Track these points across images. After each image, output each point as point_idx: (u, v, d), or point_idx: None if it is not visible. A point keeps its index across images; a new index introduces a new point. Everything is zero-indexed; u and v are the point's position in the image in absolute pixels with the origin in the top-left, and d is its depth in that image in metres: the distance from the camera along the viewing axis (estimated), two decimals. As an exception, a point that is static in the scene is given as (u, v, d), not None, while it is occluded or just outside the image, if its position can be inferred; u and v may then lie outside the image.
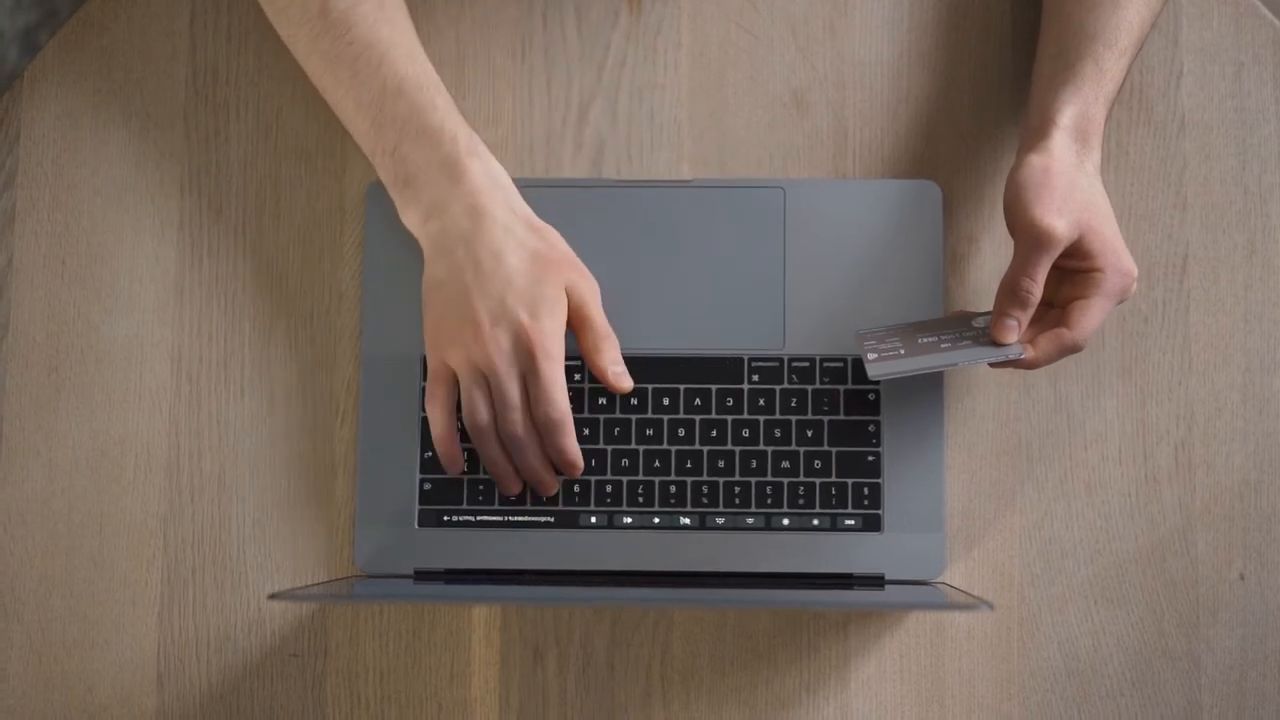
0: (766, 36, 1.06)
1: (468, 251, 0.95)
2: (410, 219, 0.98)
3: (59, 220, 1.04)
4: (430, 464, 1.00)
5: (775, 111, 1.05)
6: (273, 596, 0.83)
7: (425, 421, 1.00)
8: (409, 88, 0.97)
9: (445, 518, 1.00)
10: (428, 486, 1.00)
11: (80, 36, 1.06)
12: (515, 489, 0.99)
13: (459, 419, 0.98)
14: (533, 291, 0.95)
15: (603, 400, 1.00)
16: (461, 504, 1.00)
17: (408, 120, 0.96)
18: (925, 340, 0.95)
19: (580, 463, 0.98)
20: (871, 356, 0.94)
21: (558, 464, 0.98)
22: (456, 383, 0.97)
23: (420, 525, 1.00)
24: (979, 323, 0.95)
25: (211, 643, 1.01)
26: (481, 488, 1.00)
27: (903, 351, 0.94)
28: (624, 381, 0.99)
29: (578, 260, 0.98)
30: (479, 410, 0.96)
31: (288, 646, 1.00)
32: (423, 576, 0.99)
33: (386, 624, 1.00)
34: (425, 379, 1.00)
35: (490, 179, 0.97)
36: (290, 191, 1.04)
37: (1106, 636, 0.99)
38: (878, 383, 0.99)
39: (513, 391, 0.95)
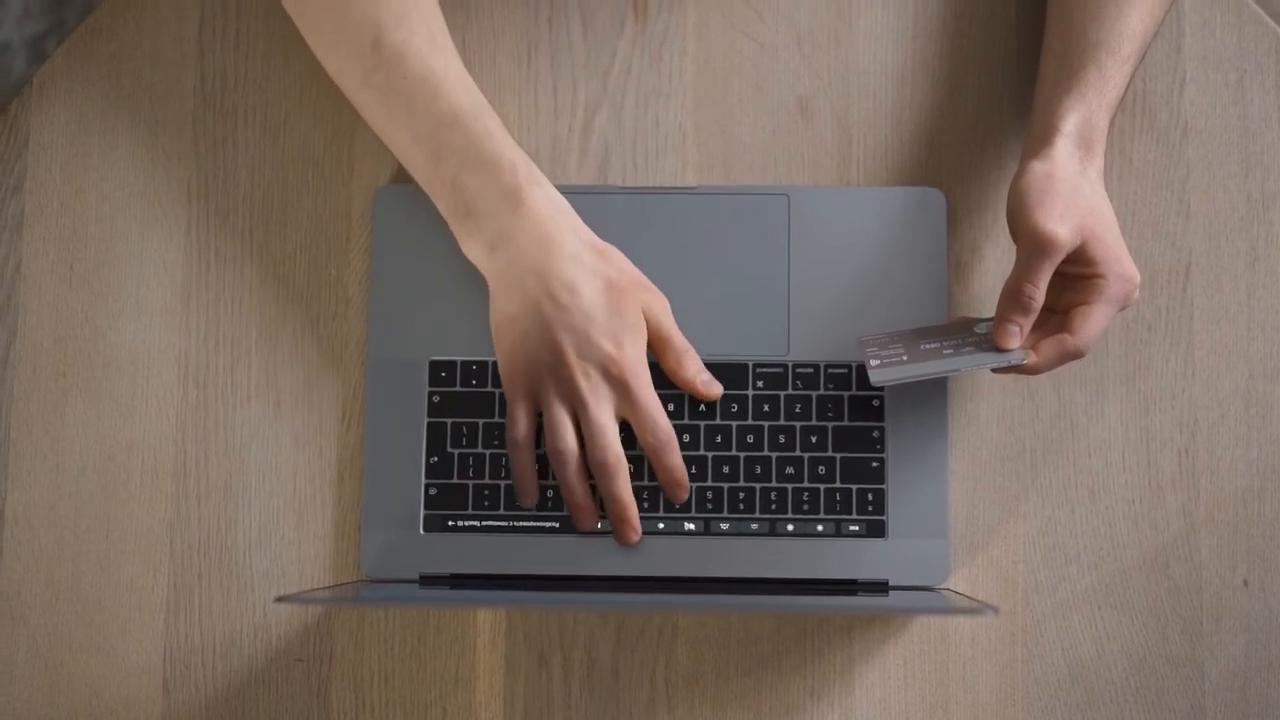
0: (771, 44, 1.06)
1: (540, 284, 0.95)
2: (473, 251, 0.98)
3: (67, 226, 1.05)
4: (436, 469, 1.00)
5: (780, 119, 1.05)
6: (279, 599, 0.83)
7: (431, 427, 1.00)
8: (465, 119, 0.97)
9: (450, 523, 1.00)
10: (433, 492, 1.00)
11: (89, 43, 1.06)
12: (592, 523, 0.99)
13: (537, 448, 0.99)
14: (614, 323, 0.96)
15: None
16: (467, 509, 1.00)
17: (465, 150, 0.96)
18: (928, 346, 0.95)
19: (687, 484, 0.99)
20: (874, 363, 0.94)
21: (665, 483, 0.98)
22: (535, 411, 0.98)
23: (426, 530, 1.00)
24: (981, 329, 0.95)
25: (217, 648, 1.01)
26: (486, 493, 1.00)
27: (905, 358, 0.94)
28: (714, 388, 0.99)
29: (645, 279, 0.99)
30: (566, 438, 0.96)
31: (293, 652, 1.01)
32: (428, 582, 0.99)
33: (391, 629, 1.00)
34: (431, 383, 1.00)
35: (553, 206, 0.97)
36: (298, 197, 1.05)
37: (1110, 642, 1.00)
38: (882, 389, 1.00)
39: (605, 420, 0.96)
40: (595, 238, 0.98)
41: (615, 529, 0.98)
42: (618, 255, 0.99)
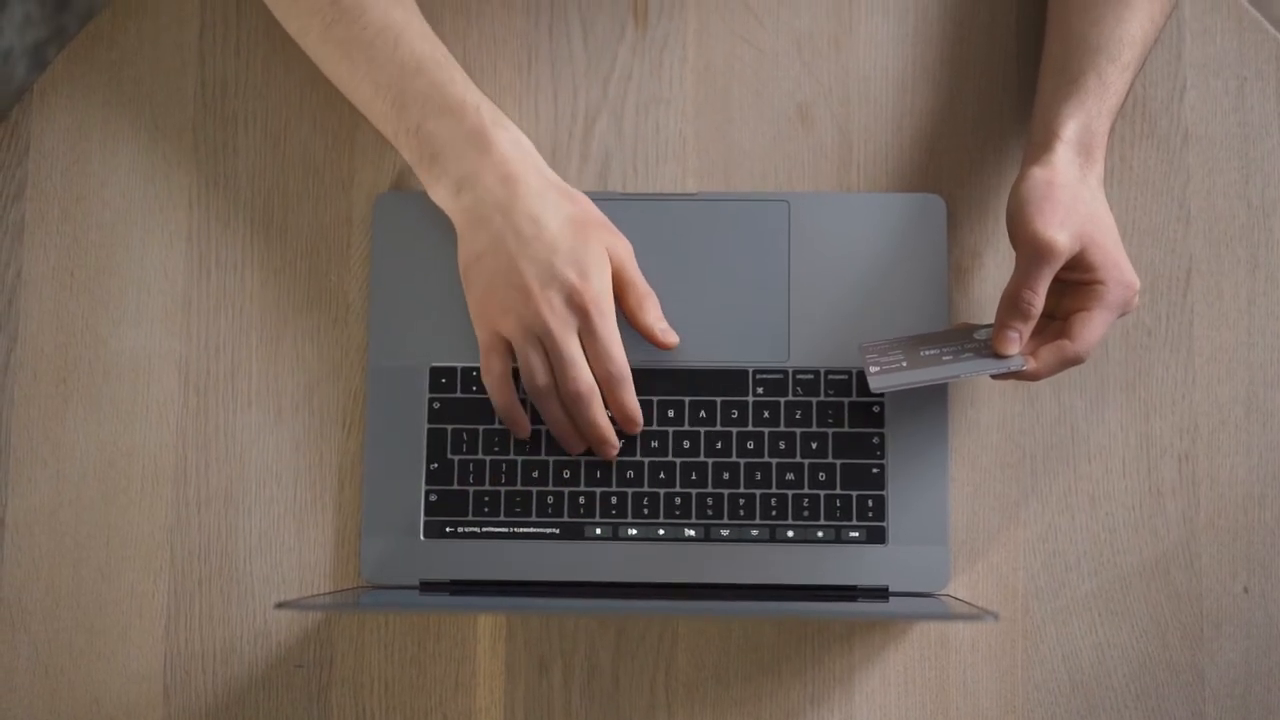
0: (771, 51, 1.06)
1: (506, 219, 0.96)
2: (440, 194, 0.99)
3: (68, 232, 1.05)
4: (436, 475, 1.00)
5: (780, 125, 1.05)
6: (279, 605, 0.83)
7: (431, 433, 1.00)
8: (428, 65, 0.97)
9: (450, 529, 1.00)
10: (433, 498, 1.00)
11: (89, 50, 1.07)
12: (580, 448, 0.99)
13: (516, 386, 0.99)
14: (578, 253, 0.96)
15: (607, 412, 1.00)
16: (467, 515, 1.00)
17: (429, 97, 0.97)
18: (927, 353, 0.95)
19: (640, 418, 0.99)
20: (874, 369, 0.94)
21: (619, 420, 0.99)
22: (509, 351, 0.98)
23: (426, 536, 1.00)
24: (981, 335, 0.95)
25: (218, 654, 1.01)
26: (487, 499, 1.00)
27: (905, 364, 0.94)
28: (670, 337, 1.00)
29: (610, 223, 0.99)
30: (538, 373, 0.96)
31: (293, 658, 1.01)
32: (428, 588, 0.99)
33: (391, 635, 1.01)
34: (431, 389, 1.00)
35: (518, 147, 0.98)
36: (298, 203, 1.05)
37: (1110, 649, 1.00)
38: (882, 395, 1.00)
39: (572, 350, 0.96)
40: (561, 180, 0.99)
41: (596, 449, 0.99)
42: (584, 198, 0.99)
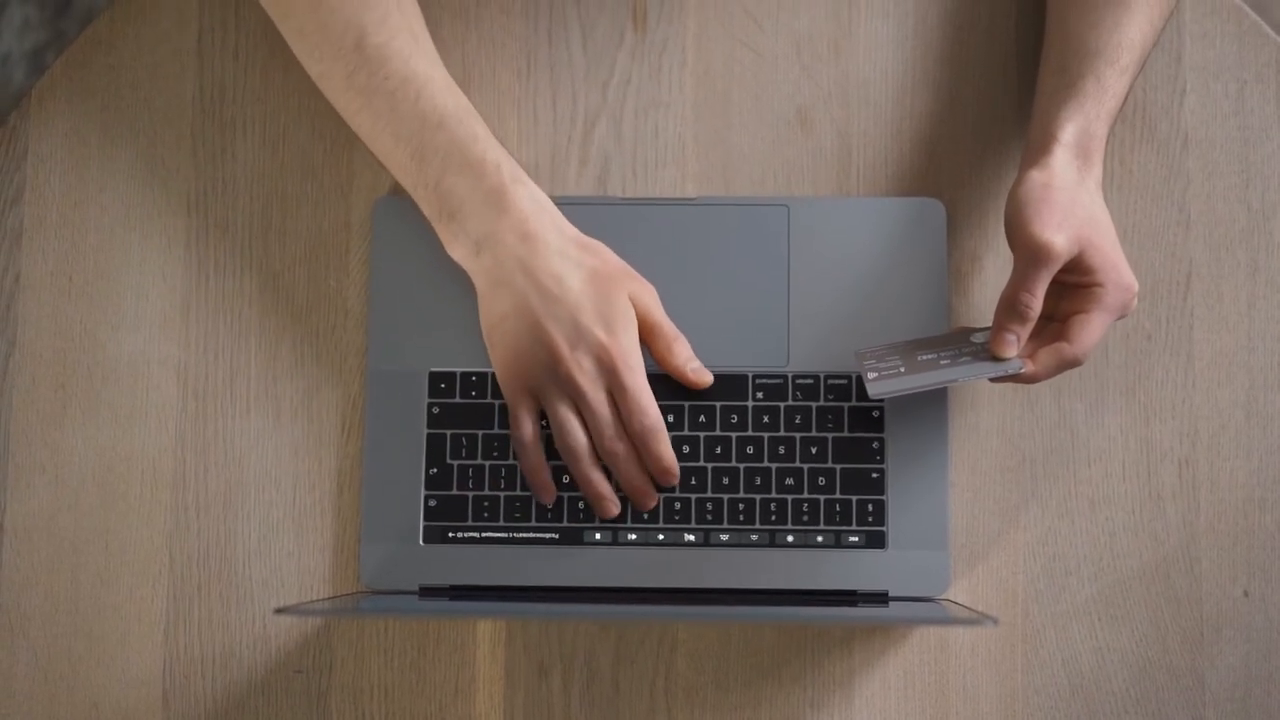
0: (771, 55, 1.06)
1: (527, 279, 0.96)
2: (458, 253, 0.98)
3: (66, 237, 1.05)
4: (436, 480, 1.00)
5: (779, 130, 1.05)
6: (278, 611, 0.83)
7: (431, 438, 1.00)
8: (449, 120, 0.97)
9: (450, 534, 1.00)
10: (433, 503, 1.00)
11: (88, 55, 1.06)
12: (616, 509, 0.99)
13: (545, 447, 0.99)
14: (603, 309, 0.96)
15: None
16: (466, 520, 1.00)
17: (450, 153, 0.97)
18: (925, 357, 0.95)
19: (676, 470, 0.99)
20: (871, 375, 0.94)
21: (654, 471, 0.98)
22: (539, 412, 0.98)
23: (425, 542, 1.00)
24: (978, 338, 0.95)
25: (217, 659, 1.01)
26: (486, 504, 1.00)
27: (902, 369, 0.94)
28: (704, 376, 0.99)
29: (632, 270, 0.99)
30: (576, 433, 0.96)
31: (293, 663, 1.01)
32: (428, 593, 0.99)
33: (391, 640, 1.00)
34: (431, 394, 1.00)
35: (536, 204, 0.97)
36: (297, 208, 1.05)
37: (1110, 654, 0.99)
38: (881, 400, 0.99)
39: (606, 411, 0.96)
40: (580, 234, 0.99)
41: (636, 504, 0.99)
42: (603, 248, 0.99)
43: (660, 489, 0.99)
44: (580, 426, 0.97)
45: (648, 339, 0.99)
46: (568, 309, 0.95)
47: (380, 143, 0.99)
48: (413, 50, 0.98)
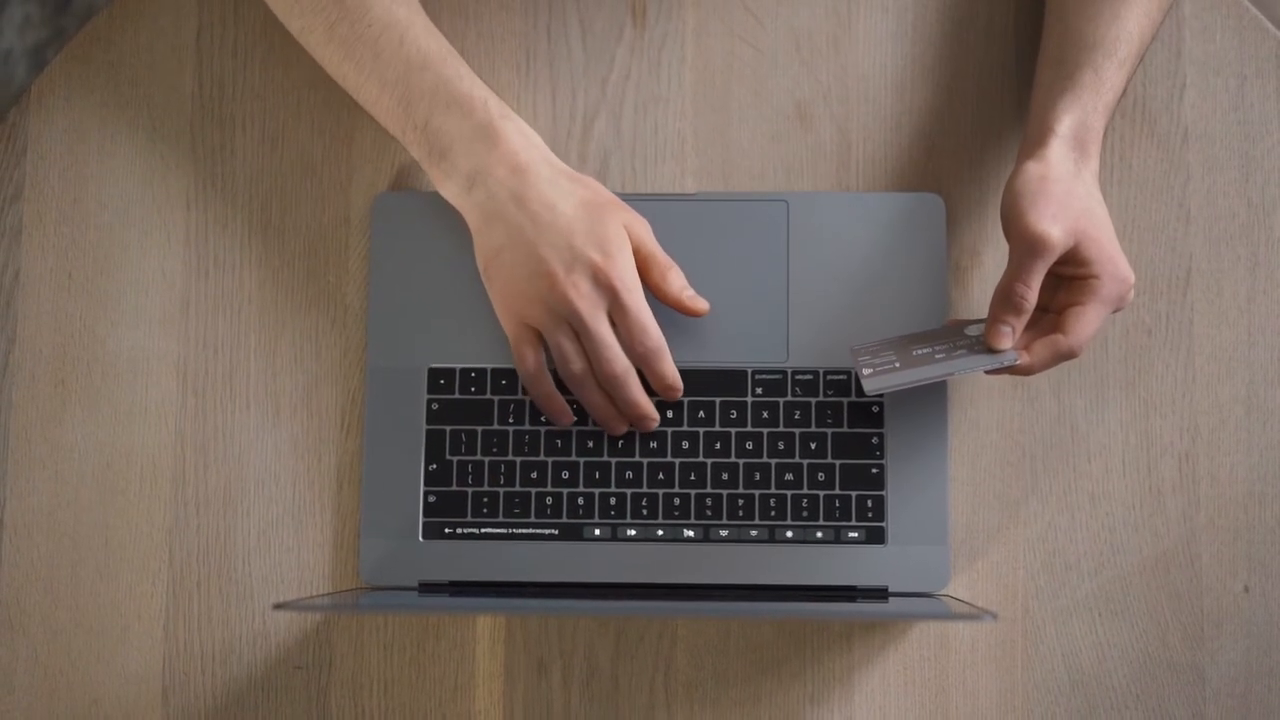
0: (770, 50, 1.06)
1: (520, 209, 0.96)
2: (450, 190, 0.99)
3: (65, 234, 1.05)
4: (435, 476, 1.00)
5: (779, 125, 1.05)
6: (277, 606, 0.83)
7: (430, 434, 1.00)
8: (433, 61, 0.97)
9: (449, 530, 1.00)
10: (432, 499, 1.00)
11: (87, 51, 1.07)
12: (623, 427, 0.99)
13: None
14: (597, 232, 0.96)
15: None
16: (466, 516, 1.00)
17: (436, 92, 0.97)
18: (920, 352, 0.95)
19: (680, 384, 0.99)
20: (866, 371, 0.94)
21: (659, 390, 0.99)
22: (540, 341, 0.98)
23: (425, 538, 1.00)
24: (973, 331, 0.95)
25: (216, 655, 1.01)
26: (485, 500, 1.00)
27: (898, 364, 0.94)
28: (700, 303, 1.00)
29: (623, 202, 0.99)
30: (573, 359, 0.97)
31: (292, 659, 1.01)
32: (427, 589, 0.99)
33: (391, 636, 1.00)
34: (430, 390, 1.00)
35: (525, 138, 0.98)
36: (296, 205, 1.05)
37: (1110, 649, 0.99)
38: (881, 395, 0.99)
39: (604, 332, 0.96)
40: (568, 167, 0.99)
41: (637, 426, 0.99)
42: (593, 181, 0.99)
43: (664, 407, 1.00)
44: (580, 353, 0.97)
45: (642, 268, 0.98)
46: (562, 234, 0.95)
47: (366, 91, 0.99)
48: None
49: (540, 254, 0.95)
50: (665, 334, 0.98)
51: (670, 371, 0.98)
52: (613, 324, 0.97)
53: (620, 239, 0.97)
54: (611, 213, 0.97)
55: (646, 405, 0.98)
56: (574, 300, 0.95)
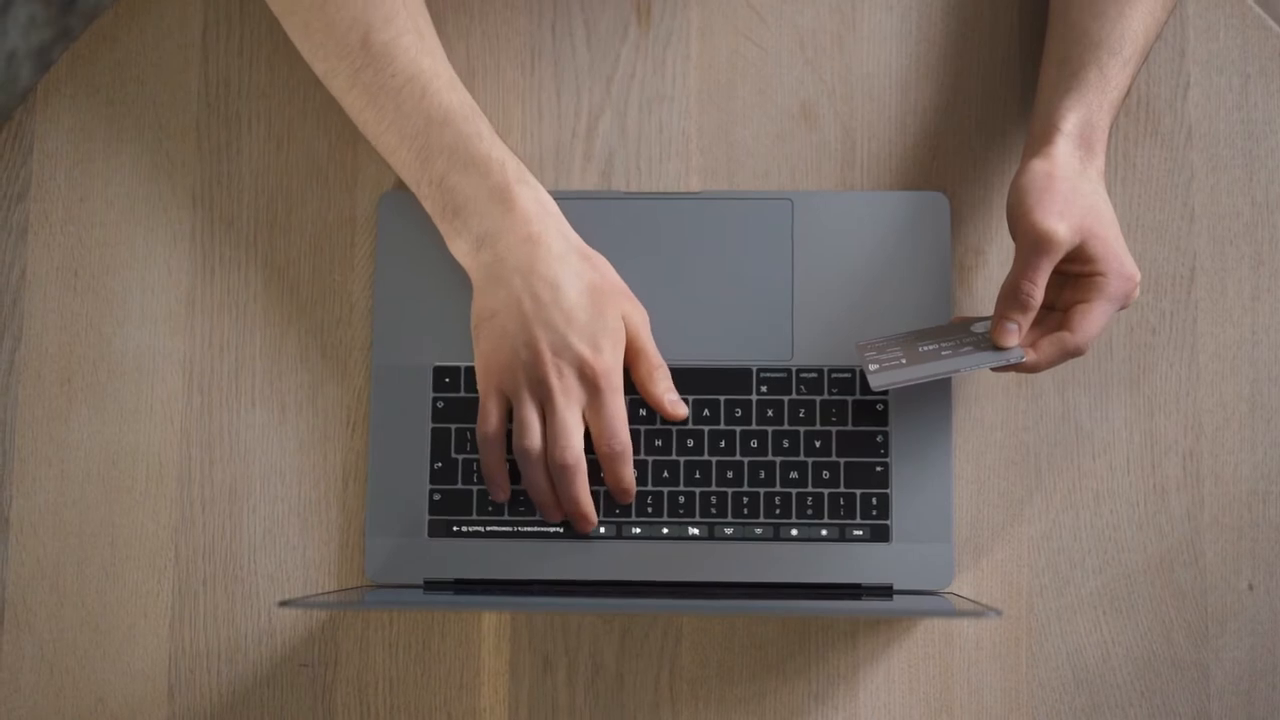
0: (775, 49, 1.06)
1: (524, 282, 0.96)
2: (459, 249, 0.99)
3: (71, 232, 1.05)
4: (440, 474, 1.00)
5: (783, 124, 1.05)
6: (283, 603, 0.83)
7: (435, 432, 1.00)
8: (455, 118, 0.97)
9: (455, 528, 1.00)
10: (438, 497, 1.00)
11: (93, 50, 1.07)
12: (557, 517, 0.99)
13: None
14: (594, 325, 0.96)
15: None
16: (471, 514, 1.00)
17: (455, 150, 0.97)
18: (926, 348, 0.95)
19: (634, 491, 0.99)
20: (873, 367, 0.94)
21: (613, 490, 0.99)
22: (507, 411, 0.98)
23: (430, 535, 1.00)
24: (978, 328, 0.95)
25: (222, 653, 1.01)
26: (490, 498, 1.00)
27: (904, 361, 0.94)
28: (680, 409, 1.00)
29: (628, 290, 0.99)
30: (532, 436, 0.96)
31: (298, 656, 1.01)
32: (432, 587, 0.99)
33: (396, 634, 1.01)
34: (435, 389, 1.01)
35: (540, 206, 0.97)
36: (301, 203, 1.05)
37: (1115, 647, 0.99)
38: (886, 393, 1.00)
39: (570, 421, 0.96)
40: (583, 243, 0.99)
41: (574, 523, 0.99)
42: (604, 262, 0.99)
43: (612, 509, 1.00)
44: (540, 434, 0.96)
45: (631, 362, 0.99)
46: (559, 317, 0.95)
47: (385, 140, 0.99)
48: (418, 48, 0.98)
49: (533, 331, 0.95)
50: (672, 331, 0.99)
51: (627, 476, 0.98)
52: (585, 419, 0.97)
53: (616, 334, 0.97)
54: (614, 303, 0.97)
55: (587, 505, 0.98)
56: (552, 382, 0.95)
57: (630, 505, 1.00)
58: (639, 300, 1.00)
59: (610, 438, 0.97)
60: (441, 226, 0.99)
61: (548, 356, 0.95)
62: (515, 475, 1.00)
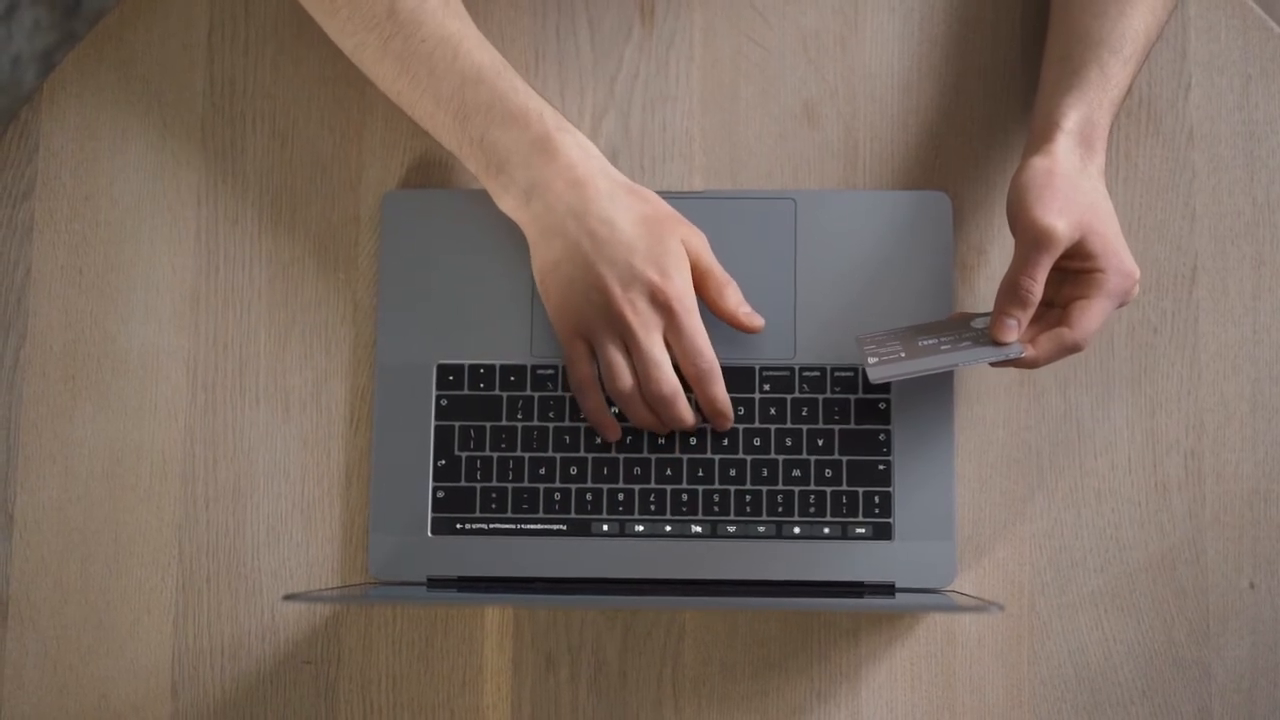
0: (778, 49, 1.06)
1: (579, 224, 0.96)
2: (508, 204, 0.99)
3: (77, 231, 1.05)
4: (444, 472, 1.00)
5: (786, 123, 1.06)
6: (287, 598, 0.83)
7: (439, 430, 1.01)
8: (488, 75, 0.97)
9: (458, 525, 1.00)
10: (441, 495, 1.00)
11: (98, 49, 1.07)
12: (665, 432, 1.00)
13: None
14: (655, 251, 0.96)
15: (614, 410, 1.00)
16: (474, 512, 1.00)
17: (492, 106, 0.97)
18: (925, 342, 0.95)
19: (731, 412, 0.99)
20: (872, 360, 0.95)
21: (708, 414, 0.99)
22: (592, 355, 0.98)
23: (434, 533, 1.00)
24: (978, 323, 0.95)
25: (225, 650, 1.01)
26: (494, 496, 1.00)
27: (903, 354, 0.94)
28: (755, 320, 1.00)
29: (681, 216, 0.99)
30: (624, 376, 0.97)
31: (301, 654, 1.01)
32: (436, 584, 1.00)
33: (399, 631, 1.01)
34: (439, 386, 1.01)
35: (583, 150, 0.98)
36: (306, 202, 1.05)
37: (1116, 645, 1.00)
38: (888, 391, 1.00)
39: (656, 351, 0.96)
40: (628, 180, 0.99)
41: (703, 425, 1.00)
42: (652, 194, 0.99)
43: (713, 434, 1.00)
44: (630, 370, 0.97)
45: (699, 284, 0.99)
46: (621, 251, 0.96)
47: (421, 106, 0.99)
48: (444, 11, 0.98)
49: (598, 270, 0.96)
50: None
51: (721, 395, 0.98)
52: (667, 344, 0.97)
53: (679, 256, 0.97)
54: (670, 229, 0.98)
55: (692, 424, 0.99)
56: (630, 318, 0.96)
57: (722, 433, 1.00)
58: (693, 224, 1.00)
59: (695, 356, 0.97)
60: (488, 184, 0.99)
61: (618, 292, 0.95)
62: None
